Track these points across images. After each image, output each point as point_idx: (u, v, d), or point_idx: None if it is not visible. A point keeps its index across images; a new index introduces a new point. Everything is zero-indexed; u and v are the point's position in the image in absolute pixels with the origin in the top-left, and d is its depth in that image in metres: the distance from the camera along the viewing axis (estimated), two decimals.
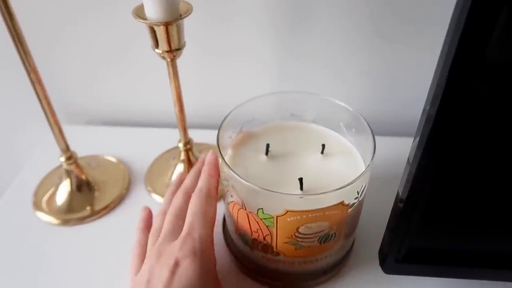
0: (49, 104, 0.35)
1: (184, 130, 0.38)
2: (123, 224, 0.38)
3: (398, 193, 0.25)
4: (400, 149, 0.43)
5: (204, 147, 0.44)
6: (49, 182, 0.42)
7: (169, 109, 0.39)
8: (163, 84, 0.36)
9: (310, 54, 0.43)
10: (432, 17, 0.39)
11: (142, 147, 0.46)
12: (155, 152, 0.45)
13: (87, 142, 0.46)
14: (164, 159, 0.44)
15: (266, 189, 0.26)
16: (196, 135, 0.41)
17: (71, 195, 0.39)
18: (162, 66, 0.34)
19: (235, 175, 0.27)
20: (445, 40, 0.19)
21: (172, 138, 0.42)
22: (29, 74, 0.33)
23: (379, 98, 0.46)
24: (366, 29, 0.41)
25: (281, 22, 0.41)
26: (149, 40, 0.31)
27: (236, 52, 0.44)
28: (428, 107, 0.21)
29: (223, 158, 0.29)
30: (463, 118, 0.21)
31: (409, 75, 0.44)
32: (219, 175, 0.32)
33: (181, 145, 0.40)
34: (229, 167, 0.28)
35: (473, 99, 0.20)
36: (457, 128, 0.21)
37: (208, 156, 0.33)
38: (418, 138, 0.22)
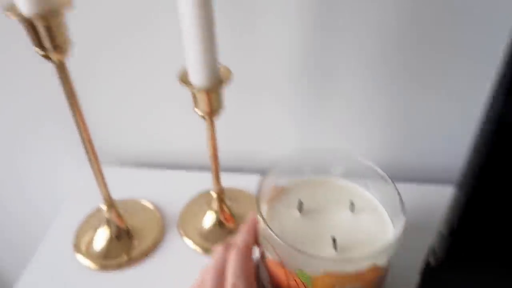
0: (94, 151, 0.37)
1: (217, 181, 0.41)
2: (158, 269, 0.40)
3: (433, 250, 0.27)
4: (424, 196, 0.45)
5: (235, 194, 0.46)
6: (89, 225, 0.44)
7: (202, 152, 0.41)
8: (197, 128, 0.38)
9: (336, 103, 0.46)
10: (451, 73, 0.42)
11: (175, 190, 0.48)
12: (188, 194, 0.47)
13: (120, 183, 0.48)
14: (197, 204, 0.46)
15: (305, 253, 0.27)
16: (224, 178, 0.43)
17: (110, 242, 0.42)
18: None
19: (276, 238, 0.29)
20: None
21: (204, 181, 0.45)
22: (74, 116, 0.34)
23: (401, 147, 0.48)
24: (384, 85, 0.43)
25: (308, 73, 0.44)
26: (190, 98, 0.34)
27: (265, 100, 0.46)
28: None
29: (264, 220, 0.30)
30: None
31: (430, 125, 0.46)
32: (256, 234, 0.33)
33: (214, 194, 0.42)
34: (269, 227, 0.30)
35: None
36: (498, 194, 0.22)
37: (248, 217, 0.35)
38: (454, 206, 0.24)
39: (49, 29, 0.27)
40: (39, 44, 0.28)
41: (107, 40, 0.43)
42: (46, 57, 0.29)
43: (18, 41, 0.36)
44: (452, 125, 0.46)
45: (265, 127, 0.48)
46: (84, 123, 0.35)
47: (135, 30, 0.42)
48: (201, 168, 0.50)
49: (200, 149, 0.49)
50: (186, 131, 0.49)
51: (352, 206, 0.34)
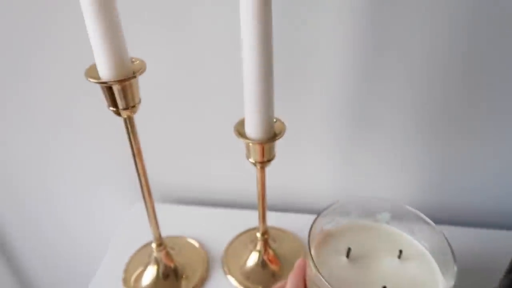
0: (149, 191, 0.39)
1: (263, 222, 0.42)
2: None
3: None
4: (469, 240, 0.45)
5: (278, 234, 0.47)
6: (138, 261, 0.46)
7: (247, 190, 0.43)
8: (245, 169, 0.40)
9: (376, 148, 0.47)
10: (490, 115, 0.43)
11: (219, 227, 0.50)
12: (232, 232, 0.49)
13: (166, 219, 0.50)
14: (242, 242, 0.47)
15: None
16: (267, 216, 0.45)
17: (157, 280, 0.43)
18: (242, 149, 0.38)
19: (326, 282, 0.30)
20: None
21: (248, 218, 0.46)
22: (135, 160, 0.36)
23: (444, 190, 0.49)
24: (424, 129, 0.44)
25: (348, 119, 0.45)
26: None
27: (305, 141, 0.48)
28: None
29: (315, 266, 0.32)
30: None
31: (473, 169, 0.47)
32: (305, 279, 0.35)
33: (259, 235, 0.43)
34: (320, 274, 0.31)
35: None
36: None
37: (297, 262, 0.36)
38: None
39: (123, 91, 0.30)
40: (113, 104, 0.30)
41: (169, 88, 0.46)
42: (117, 113, 0.31)
43: (85, 94, 0.39)
44: (494, 169, 0.46)
45: (307, 169, 0.50)
46: (143, 166, 0.37)
47: (196, 81, 0.45)
48: (244, 205, 0.52)
49: (246, 188, 0.51)
50: (234, 171, 0.51)
51: (400, 254, 0.35)
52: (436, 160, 0.47)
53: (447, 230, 0.43)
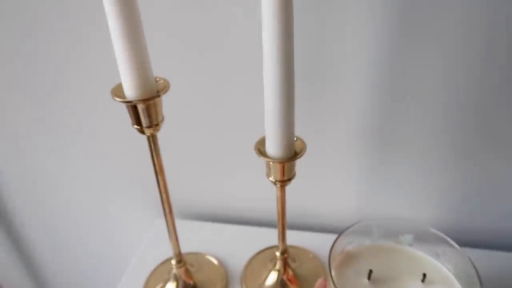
0: (170, 209, 0.40)
1: (283, 241, 0.42)
2: None
3: None
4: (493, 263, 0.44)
5: (298, 253, 0.47)
6: (158, 276, 0.46)
7: (267, 208, 0.43)
8: (263, 185, 0.40)
9: (400, 168, 0.46)
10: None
11: (239, 244, 0.50)
12: (251, 250, 0.48)
13: (185, 235, 0.51)
14: (261, 260, 0.47)
15: None
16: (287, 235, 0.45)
17: None
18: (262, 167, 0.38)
19: None
20: None
21: (267, 236, 0.46)
22: (158, 177, 0.37)
23: (468, 212, 0.48)
24: (444, 152, 0.44)
25: (370, 139, 0.45)
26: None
27: (326, 160, 0.48)
28: None
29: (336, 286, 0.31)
30: None
31: (498, 191, 0.46)
32: None
33: (278, 254, 0.43)
34: None
35: None
36: None
37: (318, 282, 0.35)
38: None
39: (147, 110, 0.30)
40: (137, 122, 0.31)
41: (190, 107, 0.47)
42: (141, 131, 0.32)
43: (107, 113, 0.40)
44: None
45: (328, 188, 0.49)
46: (165, 184, 0.37)
47: (216, 99, 0.45)
48: (263, 223, 0.52)
49: (266, 205, 0.51)
50: (254, 189, 0.51)
51: (423, 277, 0.34)
52: (459, 182, 0.46)
53: (472, 253, 0.42)
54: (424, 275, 0.34)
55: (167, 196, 0.38)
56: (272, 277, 0.44)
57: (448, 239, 0.35)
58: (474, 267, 0.32)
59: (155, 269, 0.47)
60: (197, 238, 0.51)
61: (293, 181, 0.40)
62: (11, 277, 0.71)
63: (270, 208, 0.44)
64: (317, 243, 0.48)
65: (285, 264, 0.43)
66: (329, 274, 0.32)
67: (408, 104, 0.42)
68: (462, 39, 0.37)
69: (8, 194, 0.61)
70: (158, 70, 0.33)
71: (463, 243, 0.45)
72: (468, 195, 0.46)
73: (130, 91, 0.30)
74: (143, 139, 0.34)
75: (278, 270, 0.43)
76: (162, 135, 0.36)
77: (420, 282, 0.34)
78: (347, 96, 0.42)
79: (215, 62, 0.43)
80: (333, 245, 0.35)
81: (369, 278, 0.35)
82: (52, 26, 0.44)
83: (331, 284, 0.32)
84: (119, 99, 0.30)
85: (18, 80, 0.49)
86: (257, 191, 0.50)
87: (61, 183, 0.57)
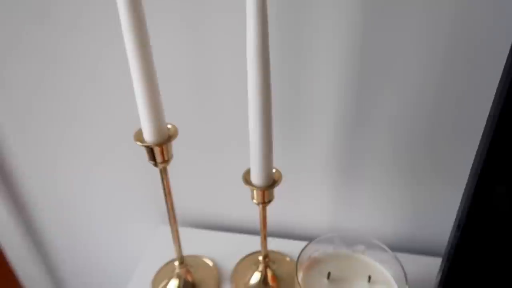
0: (174, 217, 0.49)
1: (265, 248, 0.52)
2: None
3: None
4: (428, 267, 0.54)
5: (278, 257, 0.57)
6: (164, 274, 0.56)
7: (253, 219, 0.52)
8: (249, 201, 0.50)
9: (362, 188, 0.57)
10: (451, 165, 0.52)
11: (230, 249, 0.59)
12: (241, 253, 0.59)
13: (184, 240, 0.60)
14: (247, 263, 0.57)
15: None
16: (270, 242, 0.54)
17: None
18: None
19: None
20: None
21: (254, 242, 0.56)
22: (164, 192, 0.46)
23: (410, 227, 0.58)
24: (397, 178, 0.54)
25: (338, 165, 0.55)
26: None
27: (302, 181, 0.58)
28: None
29: (300, 285, 0.41)
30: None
31: (430, 208, 0.56)
32: None
33: (261, 258, 0.53)
34: None
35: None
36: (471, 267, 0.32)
37: None
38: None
39: (161, 151, 0.41)
40: (152, 158, 0.41)
41: (195, 137, 0.57)
42: (155, 165, 0.42)
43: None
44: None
45: (304, 204, 0.60)
46: (172, 202, 0.47)
47: (217, 131, 0.55)
48: (251, 231, 0.62)
49: (253, 217, 0.61)
50: (242, 203, 0.61)
51: (369, 279, 0.44)
52: (409, 202, 0.56)
53: (417, 259, 0.52)
54: (369, 277, 0.44)
55: (173, 210, 0.48)
56: (256, 277, 0.54)
57: (387, 249, 0.45)
58: (403, 269, 0.42)
59: (161, 269, 0.57)
60: (195, 242, 0.61)
61: (276, 200, 0.50)
62: (29, 270, 0.80)
63: (256, 220, 0.54)
64: (294, 249, 0.58)
65: (266, 266, 0.53)
66: (295, 275, 0.42)
67: (367, 139, 0.52)
68: (418, 71, 0.47)
69: (30, 192, 0.71)
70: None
71: (411, 250, 0.57)
72: (417, 213, 0.57)
73: (148, 137, 0.40)
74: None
75: (261, 271, 0.54)
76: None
77: (366, 282, 0.45)
78: (318, 128, 0.52)
79: (212, 96, 0.53)
80: (300, 253, 0.45)
81: (328, 278, 0.45)
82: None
83: (296, 284, 0.42)
84: (140, 143, 0.40)
85: (48, 95, 0.59)
86: (246, 205, 0.60)
87: (81, 191, 0.67)
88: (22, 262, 0.79)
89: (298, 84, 0.50)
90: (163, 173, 0.44)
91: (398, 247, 0.59)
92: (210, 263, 0.58)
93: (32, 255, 0.78)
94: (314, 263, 0.47)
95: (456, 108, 0.48)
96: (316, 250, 0.47)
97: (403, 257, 0.45)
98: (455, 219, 0.36)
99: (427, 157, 0.52)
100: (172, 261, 0.56)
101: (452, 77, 0.46)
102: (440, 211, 0.56)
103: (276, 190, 0.47)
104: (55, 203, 0.70)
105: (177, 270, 0.53)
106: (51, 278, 0.82)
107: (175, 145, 0.43)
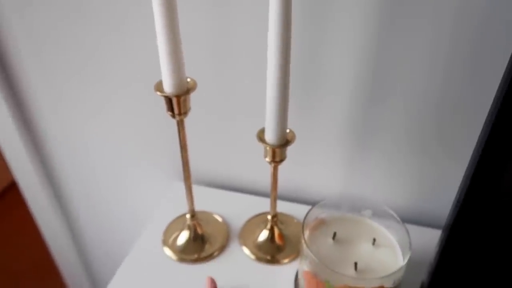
0: (189, 174, 0.51)
1: (274, 207, 0.54)
2: (221, 268, 0.54)
3: (422, 282, 0.38)
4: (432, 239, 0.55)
5: (285, 218, 0.59)
6: (176, 226, 0.58)
7: (265, 181, 0.54)
8: (262, 163, 0.51)
9: (374, 157, 0.57)
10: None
11: (240, 208, 0.61)
12: (250, 213, 0.60)
13: (199, 198, 0.62)
14: (256, 221, 0.59)
15: (333, 270, 0.40)
16: (279, 205, 0.56)
17: (188, 242, 0.56)
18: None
19: (312, 256, 0.41)
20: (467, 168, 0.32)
21: (263, 204, 0.58)
22: (182, 151, 0.48)
23: (420, 198, 0.59)
24: (406, 148, 0.54)
25: (351, 132, 0.56)
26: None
27: (314, 146, 0.59)
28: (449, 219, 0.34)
29: (305, 242, 0.43)
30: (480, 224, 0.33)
31: (432, 182, 0.57)
32: None
33: (269, 217, 0.55)
34: (308, 248, 0.42)
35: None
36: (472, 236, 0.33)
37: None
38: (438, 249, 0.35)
39: (179, 102, 0.42)
40: (171, 109, 0.43)
41: (213, 98, 0.58)
42: (172, 116, 0.43)
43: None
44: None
45: (314, 169, 0.61)
46: (187, 156, 0.49)
47: (235, 96, 0.56)
48: (261, 193, 0.64)
49: (264, 179, 0.62)
50: (255, 165, 0.63)
51: (374, 241, 0.45)
52: (416, 173, 0.56)
53: (418, 229, 0.53)
54: (374, 239, 0.46)
55: (187, 165, 0.50)
56: (264, 234, 0.56)
57: (395, 215, 0.46)
58: (408, 235, 0.43)
59: (173, 220, 0.59)
60: (207, 200, 0.63)
61: (287, 164, 0.51)
62: (51, 224, 0.85)
63: (267, 184, 0.56)
64: (302, 213, 0.59)
65: (275, 225, 0.55)
66: (302, 233, 0.44)
67: (381, 110, 0.52)
68: (429, 56, 0.47)
69: (55, 150, 0.74)
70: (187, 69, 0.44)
71: (418, 222, 0.58)
72: (425, 186, 0.57)
73: (168, 87, 0.41)
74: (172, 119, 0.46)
75: (269, 229, 0.55)
76: (188, 116, 0.47)
77: (371, 245, 0.46)
78: (334, 96, 0.53)
79: (234, 65, 0.53)
80: (308, 212, 0.46)
81: (333, 238, 0.46)
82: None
83: (303, 241, 0.44)
84: (160, 93, 0.41)
85: (72, 55, 0.60)
86: (258, 167, 0.62)
87: (104, 147, 0.70)
88: (43, 214, 0.83)
89: (317, 52, 0.50)
90: (180, 125, 0.45)
91: (406, 218, 0.60)
92: (220, 219, 0.60)
93: (53, 207, 0.82)
94: (321, 223, 0.48)
95: (467, 84, 0.48)
96: (322, 212, 0.48)
97: (410, 227, 0.46)
98: (456, 194, 0.36)
99: (438, 133, 0.52)
100: (184, 214, 0.58)
101: (461, 55, 0.46)
102: (447, 186, 0.56)
103: (288, 154, 0.48)
104: (73, 155, 0.72)
105: (188, 222, 0.55)
106: (68, 226, 0.86)
107: (193, 107, 0.44)
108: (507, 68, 0.28)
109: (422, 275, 0.46)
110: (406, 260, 0.41)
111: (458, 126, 0.51)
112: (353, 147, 0.57)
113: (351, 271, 0.42)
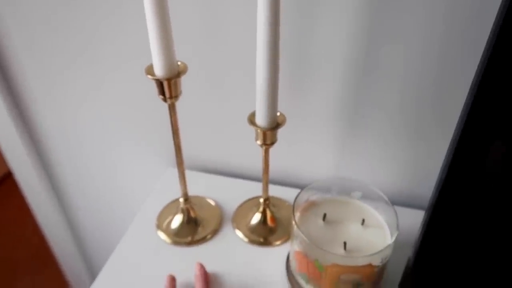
0: (181, 159, 0.52)
1: (266, 190, 0.54)
2: (214, 251, 0.54)
3: (409, 259, 0.39)
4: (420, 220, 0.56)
5: (277, 202, 0.60)
6: (169, 210, 0.59)
7: (256, 165, 0.55)
8: (254, 147, 0.52)
9: (365, 140, 0.58)
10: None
11: (233, 192, 0.62)
12: (243, 197, 0.61)
13: (193, 182, 0.62)
14: (248, 205, 0.60)
15: (322, 249, 0.41)
16: (271, 189, 0.57)
17: (182, 225, 0.56)
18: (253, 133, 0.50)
19: (303, 236, 0.42)
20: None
21: (255, 188, 0.58)
22: (174, 135, 0.48)
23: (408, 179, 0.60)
24: (400, 131, 0.55)
25: (342, 113, 0.56)
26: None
27: (305, 129, 0.59)
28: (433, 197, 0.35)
29: (296, 223, 0.44)
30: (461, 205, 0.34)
31: (426, 164, 0.58)
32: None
33: (262, 200, 0.56)
34: (299, 229, 0.43)
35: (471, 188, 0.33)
36: (455, 214, 0.34)
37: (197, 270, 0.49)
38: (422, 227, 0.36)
39: (169, 85, 0.42)
40: (162, 93, 0.43)
41: (205, 83, 0.58)
42: (164, 100, 0.44)
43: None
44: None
45: (305, 152, 0.61)
46: (179, 141, 0.49)
47: (226, 80, 0.56)
48: (253, 178, 0.65)
49: (256, 163, 0.63)
50: (247, 150, 0.63)
51: (363, 222, 0.46)
52: (408, 155, 0.57)
53: (408, 211, 0.54)
54: (363, 220, 0.46)
55: (180, 150, 0.51)
56: (257, 217, 0.57)
57: (385, 197, 0.46)
58: (396, 216, 0.44)
59: (167, 205, 0.60)
60: (200, 185, 0.64)
61: (278, 148, 0.51)
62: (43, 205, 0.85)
63: (259, 166, 0.56)
64: (293, 196, 0.60)
65: (267, 208, 0.56)
66: (292, 214, 0.45)
67: (376, 85, 0.52)
68: (423, 40, 0.47)
69: (48, 133, 0.74)
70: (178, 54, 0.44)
71: (410, 205, 0.58)
72: (417, 168, 0.58)
73: (159, 71, 0.42)
74: (163, 104, 0.46)
75: (261, 212, 0.56)
76: (180, 102, 0.48)
77: (360, 225, 0.47)
78: (325, 75, 0.53)
79: (226, 50, 0.54)
80: (298, 194, 0.47)
81: (323, 219, 0.47)
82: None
83: (293, 222, 0.45)
84: (150, 77, 0.42)
85: (65, 43, 0.60)
86: (249, 152, 0.62)
87: (99, 133, 0.70)
88: (39, 202, 0.83)
89: (308, 30, 0.50)
90: (172, 109, 0.45)
91: (397, 201, 0.61)
92: (213, 203, 0.60)
93: (48, 196, 0.82)
94: (311, 205, 0.49)
95: (461, 64, 0.48)
96: (313, 194, 0.49)
97: (401, 210, 0.46)
98: (438, 175, 0.37)
99: (432, 114, 0.53)
100: (178, 199, 0.58)
101: (456, 34, 0.46)
102: (439, 168, 0.57)
103: (280, 136, 0.49)
104: (67, 144, 0.73)
105: (181, 206, 0.56)
106: (64, 213, 0.87)
107: (184, 92, 0.45)
108: (487, 42, 0.28)
109: (409, 255, 0.47)
110: (393, 239, 0.42)
111: (453, 105, 0.51)
112: (346, 127, 0.57)
113: (340, 250, 0.43)
